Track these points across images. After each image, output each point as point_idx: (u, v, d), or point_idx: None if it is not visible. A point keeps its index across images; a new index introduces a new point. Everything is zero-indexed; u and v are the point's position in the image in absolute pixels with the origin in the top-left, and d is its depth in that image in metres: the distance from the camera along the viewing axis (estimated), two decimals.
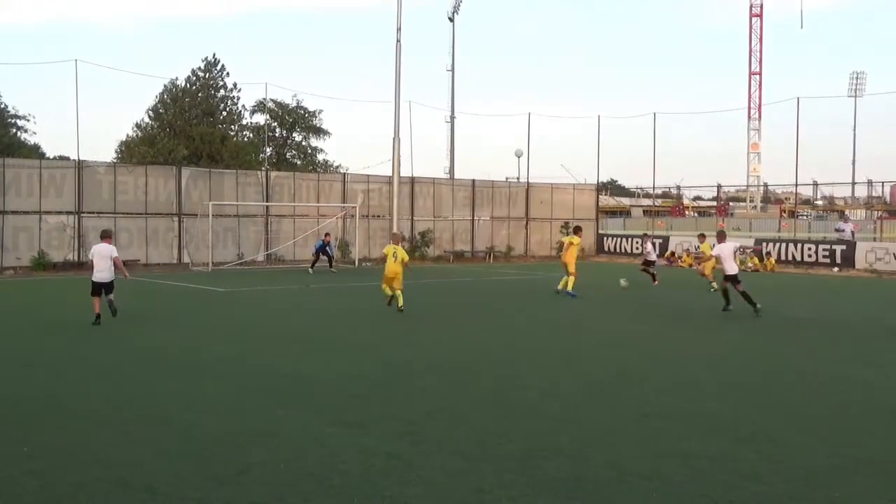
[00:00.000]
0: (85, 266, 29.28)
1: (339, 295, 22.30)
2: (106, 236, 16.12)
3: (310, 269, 28.92)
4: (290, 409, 8.87)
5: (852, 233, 37.40)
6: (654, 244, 28.86)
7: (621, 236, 44.95)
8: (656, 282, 25.48)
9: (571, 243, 22.27)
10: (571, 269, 21.67)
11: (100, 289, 15.54)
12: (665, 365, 11.88)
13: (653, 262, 26.76)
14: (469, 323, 16.74)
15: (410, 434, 7.90)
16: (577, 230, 23.75)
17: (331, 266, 30.05)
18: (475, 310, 19.21)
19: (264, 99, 48.12)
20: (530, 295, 22.69)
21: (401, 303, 17.61)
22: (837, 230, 38.13)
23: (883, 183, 62.41)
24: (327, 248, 30.09)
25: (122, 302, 19.33)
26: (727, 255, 18.27)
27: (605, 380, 10.80)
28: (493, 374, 11.03)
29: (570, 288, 21.47)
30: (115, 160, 40.78)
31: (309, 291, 22.55)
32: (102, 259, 15.53)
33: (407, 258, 18.21)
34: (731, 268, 18.13)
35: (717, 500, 6.19)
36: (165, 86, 45.49)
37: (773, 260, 34.72)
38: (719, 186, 60.39)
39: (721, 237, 19.87)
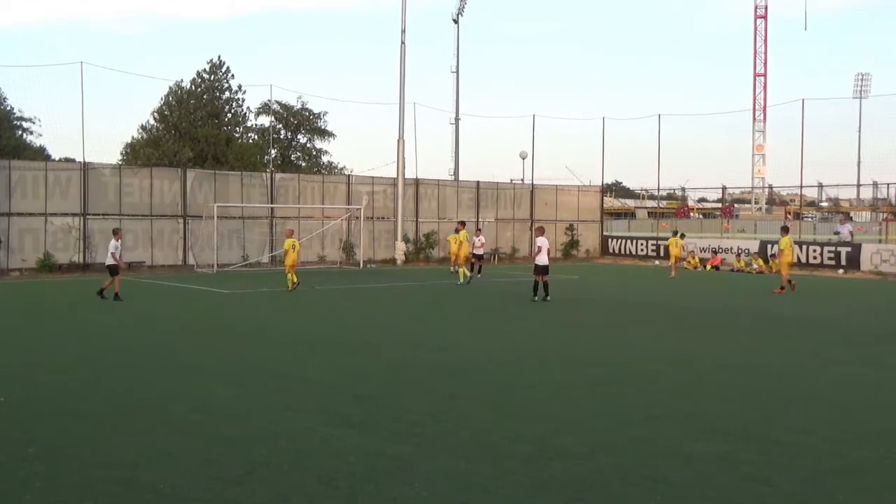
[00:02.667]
0: (90, 268, 29.42)
1: (343, 296, 22.31)
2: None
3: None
4: (295, 411, 8.87)
5: (850, 233, 37.33)
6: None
7: (626, 238, 44.92)
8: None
9: (460, 241, 27.39)
10: (461, 260, 26.99)
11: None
12: (670, 367, 11.87)
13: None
14: (473, 324, 16.74)
15: (415, 435, 7.90)
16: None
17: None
18: (479, 311, 19.20)
19: (269, 101, 48.08)
20: (532, 296, 22.62)
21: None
22: (835, 233, 38.09)
23: (888, 184, 62.00)
24: None
25: (128, 303, 19.39)
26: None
27: (609, 381, 10.78)
28: (498, 376, 11.02)
29: (462, 279, 26.09)
30: (120, 162, 40.77)
31: (314, 293, 22.56)
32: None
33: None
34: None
35: (722, 502, 6.18)
36: (171, 88, 45.47)
37: (777, 261, 34.66)
38: (724, 188, 60.17)
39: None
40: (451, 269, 28.87)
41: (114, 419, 8.45)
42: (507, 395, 9.77)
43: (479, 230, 31.92)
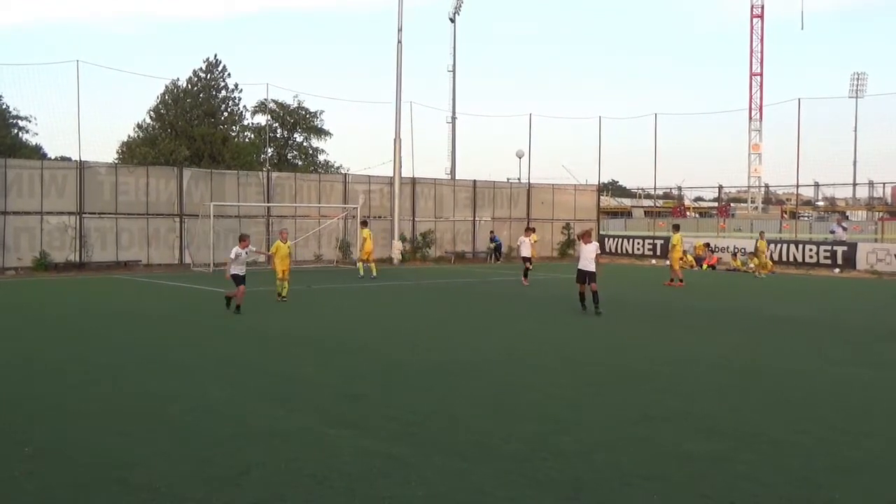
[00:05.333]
0: (86, 267, 29.38)
1: (340, 296, 22.30)
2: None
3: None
4: (290, 410, 8.87)
5: (844, 229, 37.47)
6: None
7: (623, 237, 44.95)
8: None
9: (365, 238, 26.97)
10: (366, 256, 26.82)
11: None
12: (666, 366, 11.88)
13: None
14: (469, 324, 16.74)
15: (410, 435, 7.90)
16: (364, 223, 27.84)
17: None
18: (475, 311, 19.21)
19: (265, 99, 48.14)
20: (531, 296, 22.67)
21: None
22: (831, 232, 38.26)
23: (884, 184, 62.30)
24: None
25: (124, 304, 19.35)
26: None
27: (605, 381, 10.79)
28: (494, 375, 11.02)
29: (362, 272, 26.56)
30: (116, 161, 40.74)
31: (310, 292, 22.54)
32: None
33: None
34: None
35: (717, 501, 6.19)
36: (167, 86, 45.44)
37: (769, 261, 34.74)
38: (720, 187, 60.29)
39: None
40: (358, 263, 27.50)
41: (110, 419, 8.43)
42: (504, 395, 9.77)
43: (531, 229, 31.22)
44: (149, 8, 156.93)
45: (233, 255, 17.48)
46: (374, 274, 26.67)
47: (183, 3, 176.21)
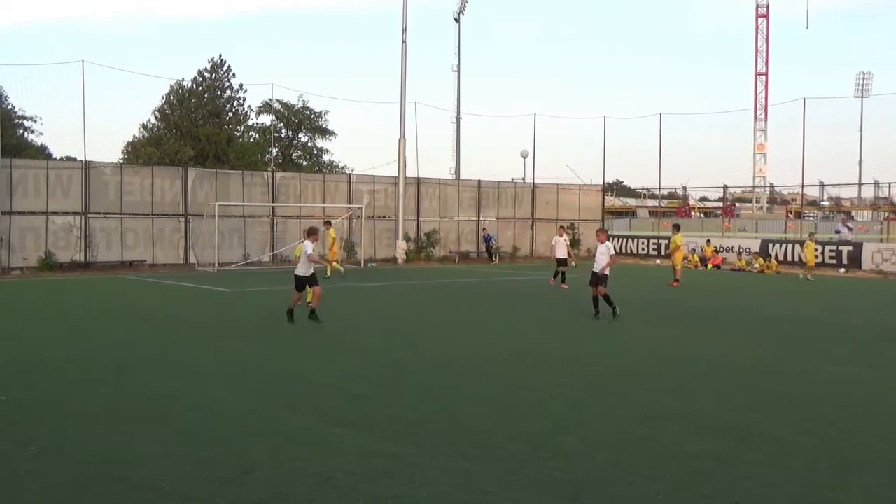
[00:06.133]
0: (91, 267, 29.45)
1: (343, 296, 22.32)
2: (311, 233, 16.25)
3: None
4: (293, 409, 8.88)
5: (849, 229, 37.42)
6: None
7: (627, 237, 44.90)
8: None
9: (333, 238, 26.94)
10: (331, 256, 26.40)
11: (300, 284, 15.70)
12: (668, 366, 11.87)
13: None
14: (472, 323, 16.74)
15: (413, 434, 7.91)
16: (328, 223, 27.30)
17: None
18: (479, 310, 19.21)
19: (270, 99, 48.08)
20: (534, 296, 22.66)
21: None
22: (836, 232, 38.21)
23: (890, 184, 61.94)
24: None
25: (128, 303, 19.39)
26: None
27: (608, 380, 10.79)
28: (496, 375, 11.03)
29: (329, 273, 26.28)
30: (121, 161, 40.83)
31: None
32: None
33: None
34: None
35: (720, 501, 6.18)
36: (172, 87, 45.52)
37: (774, 262, 34.72)
38: (725, 187, 60.14)
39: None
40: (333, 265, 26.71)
41: (113, 418, 8.45)
42: (506, 395, 9.77)
43: (565, 228, 28.90)
44: (152, 8, 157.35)
45: (310, 251, 15.53)
46: (339, 273, 27.03)
47: (188, 3, 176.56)
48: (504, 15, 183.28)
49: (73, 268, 29.15)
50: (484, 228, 39.99)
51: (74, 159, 34.25)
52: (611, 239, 19.47)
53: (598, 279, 16.99)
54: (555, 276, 24.75)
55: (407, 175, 37.49)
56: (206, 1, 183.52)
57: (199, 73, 47.24)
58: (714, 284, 27.73)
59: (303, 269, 15.52)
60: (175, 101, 45.74)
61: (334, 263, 26.79)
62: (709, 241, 38.53)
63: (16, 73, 38.06)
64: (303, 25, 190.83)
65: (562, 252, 24.80)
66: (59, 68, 50.92)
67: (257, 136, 50.99)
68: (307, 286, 15.67)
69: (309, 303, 15.77)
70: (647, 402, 9.39)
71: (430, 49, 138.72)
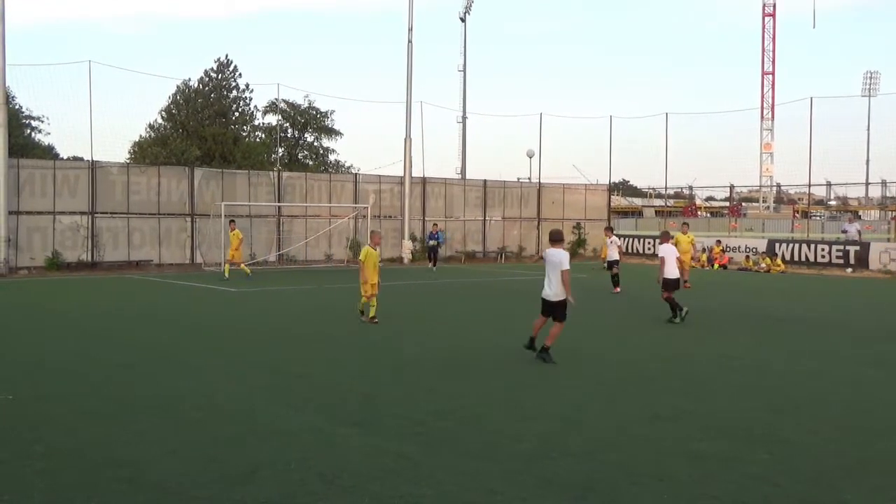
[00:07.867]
0: (98, 266, 29.52)
1: (350, 295, 22.30)
2: (556, 240, 12.24)
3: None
4: (299, 409, 8.89)
5: (858, 231, 37.29)
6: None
7: (634, 237, 44.82)
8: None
9: (236, 238, 26.12)
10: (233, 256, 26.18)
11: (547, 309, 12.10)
12: (674, 366, 11.85)
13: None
14: (478, 323, 16.74)
15: (419, 434, 7.91)
16: (232, 222, 26.99)
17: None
18: (485, 310, 19.20)
19: (276, 99, 48.23)
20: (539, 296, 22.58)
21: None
22: (843, 231, 38.09)
23: None
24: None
25: (135, 303, 19.41)
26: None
27: (613, 381, 10.77)
28: (502, 375, 11.02)
29: (227, 275, 25.98)
30: (128, 161, 40.92)
31: (321, 291, 22.58)
32: (553, 268, 11.97)
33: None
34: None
35: (727, 501, 6.17)
36: (178, 87, 45.65)
37: (779, 261, 34.63)
38: (732, 187, 60.01)
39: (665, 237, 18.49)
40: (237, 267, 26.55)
41: (119, 418, 8.47)
42: (512, 394, 9.77)
43: (611, 228, 27.14)
44: (159, 9, 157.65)
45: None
46: (245, 274, 26.22)
47: (193, 4, 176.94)
48: (510, 15, 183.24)
49: (80, 267, 29.24)
50: (435, 224, 34.92)
51: (81, 159, 34.32)
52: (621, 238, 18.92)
53: (668, 284, 16.69)
54: (615, 283, 23.21)
55: (413, 175, 37.52)
56: (213, 1, 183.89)
57: (206, 73, 47.37)
58: (720, 284, 27.66)
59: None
60: (181, 101, 45.87)
61: (242, 265, 26.64)
62: (718, 241, 38.45)
63: (23, 73, 38.00)
64: (309, 25, 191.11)
65: (615, 254, 23.71)
66: (66, 69, 51.16)
67: (263, 135, 51.09)
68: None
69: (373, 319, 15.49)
70: (654, 402, 9.37)
71: (436, 49, 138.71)
